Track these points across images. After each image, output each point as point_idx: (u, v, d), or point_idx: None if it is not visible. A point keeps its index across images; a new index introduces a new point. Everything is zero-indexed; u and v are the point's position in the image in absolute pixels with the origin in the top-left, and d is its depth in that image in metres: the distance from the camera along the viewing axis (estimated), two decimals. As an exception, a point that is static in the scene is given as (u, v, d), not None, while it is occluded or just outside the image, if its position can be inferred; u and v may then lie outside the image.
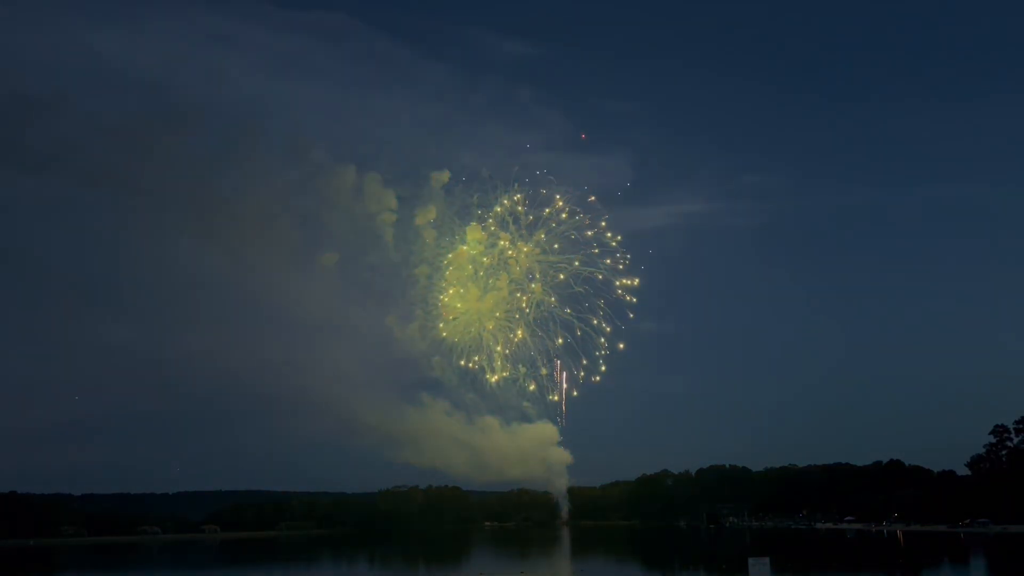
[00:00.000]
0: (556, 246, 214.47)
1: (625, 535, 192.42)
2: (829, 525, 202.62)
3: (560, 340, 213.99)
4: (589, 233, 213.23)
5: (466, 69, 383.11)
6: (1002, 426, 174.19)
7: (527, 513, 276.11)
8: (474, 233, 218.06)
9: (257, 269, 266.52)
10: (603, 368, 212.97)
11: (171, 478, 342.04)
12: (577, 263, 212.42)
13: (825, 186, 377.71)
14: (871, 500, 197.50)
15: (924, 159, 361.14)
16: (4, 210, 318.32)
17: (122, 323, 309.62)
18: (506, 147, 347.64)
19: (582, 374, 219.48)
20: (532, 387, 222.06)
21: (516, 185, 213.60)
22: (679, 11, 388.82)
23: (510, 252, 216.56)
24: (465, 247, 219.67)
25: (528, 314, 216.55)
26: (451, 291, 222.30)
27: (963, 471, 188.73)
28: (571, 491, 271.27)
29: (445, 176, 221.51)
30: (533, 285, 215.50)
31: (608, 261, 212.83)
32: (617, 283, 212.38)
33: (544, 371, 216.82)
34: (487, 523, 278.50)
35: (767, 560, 53.57)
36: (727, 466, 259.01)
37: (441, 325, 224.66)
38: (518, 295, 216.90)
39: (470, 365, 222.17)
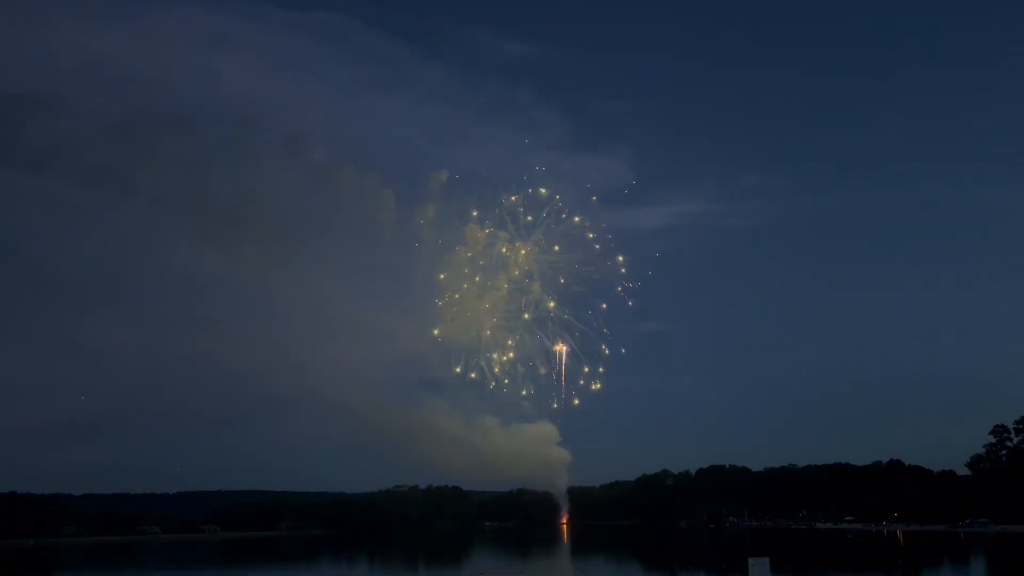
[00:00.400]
0: (556, 247, 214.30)
1: (625, 535, 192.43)
2: (829, 525, 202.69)
3: (560, 346, 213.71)
4: (589, 234, 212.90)
5: (466, 69, 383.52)
6: (1002, 426, 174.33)
7: (527, 513, 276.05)
8: (473, 233, 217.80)
9: (256, 269, 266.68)
10: (602, 371, 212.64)
11: (171, 478, 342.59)
12: (577, 264, 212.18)
13: (825, 186, 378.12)
14: (871, 500, 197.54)
15: (925, 159, 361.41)
16: (1, 209, 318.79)
17: (122, 323, 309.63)
18: (506, 147, 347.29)
19: (582, 382, 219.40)
20: (526, 392, 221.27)
21: (515, 185, 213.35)
22: (679, 11, 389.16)
23: (508, 252, 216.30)
24: (464, 247, 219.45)
25: (527, 314, 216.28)
26: (449, 291, 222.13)
27: (963, 471, 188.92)
28: (571, 491, 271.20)
29: (443, 176, 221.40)
30: (532, 285, 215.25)
31: (608, 262, 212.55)
32: (617, 283, 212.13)
33: (543, 371, 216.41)
34: (487, 523, 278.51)
35: (767, 560, 53.59)
36: (727, 466, 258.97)
37: (440, 325, 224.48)
38: (517, 295, 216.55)
39: (470, 367, 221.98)
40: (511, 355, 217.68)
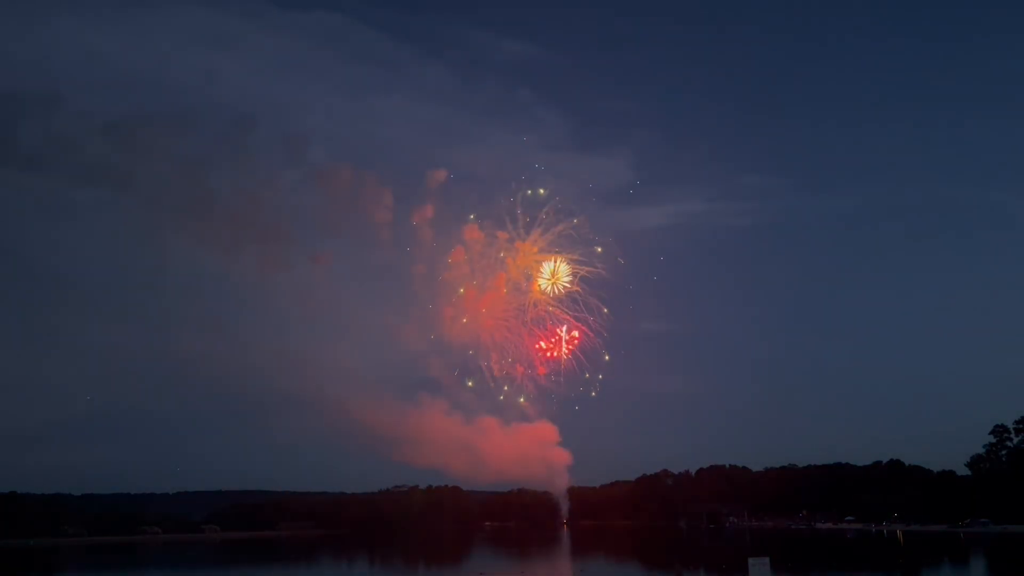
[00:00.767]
0: (555, 247, 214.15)
1: (625, 535, 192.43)
2: (829, 525, 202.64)
3: (562, 345, 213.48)
4: (589, 234, 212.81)
5: (466, 69, 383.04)
6: (1002, 426, 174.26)
7: (527, 513, 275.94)
8: (472, 233, 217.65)
9: (255, 268, 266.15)
10: (601, 378, 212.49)
11: (171, 478, 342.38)
12: (576, 264, 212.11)
13: (825, 186, 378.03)
14: (871, 500, 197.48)
15: (925, 159, 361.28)
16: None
17: (121, 323, 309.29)
18: (505, 147, 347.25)
19: (581, 388, 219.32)
20: (525, 393, 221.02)
21: (514, 185, 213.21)
22: (679, 11, 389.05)
23: (507, 253, 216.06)
24: (462, 247, 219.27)
25: (526, 314, 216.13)
26: (448, 291, 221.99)
27: (963, 471, 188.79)
28: (571, 491, 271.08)
29: (442, 175, 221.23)
30: (531, 285, 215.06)
31: (607, 262, 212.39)
32: (617, 284, 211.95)
33: (542, 371, 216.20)
34: (487, 523, 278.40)
35: (767, 560, 53.54)
36: (727, 466, 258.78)
37: (439, 325, 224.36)
38: (517, 295, 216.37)
39: (469, 367, 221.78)
40: (510, 355, 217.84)
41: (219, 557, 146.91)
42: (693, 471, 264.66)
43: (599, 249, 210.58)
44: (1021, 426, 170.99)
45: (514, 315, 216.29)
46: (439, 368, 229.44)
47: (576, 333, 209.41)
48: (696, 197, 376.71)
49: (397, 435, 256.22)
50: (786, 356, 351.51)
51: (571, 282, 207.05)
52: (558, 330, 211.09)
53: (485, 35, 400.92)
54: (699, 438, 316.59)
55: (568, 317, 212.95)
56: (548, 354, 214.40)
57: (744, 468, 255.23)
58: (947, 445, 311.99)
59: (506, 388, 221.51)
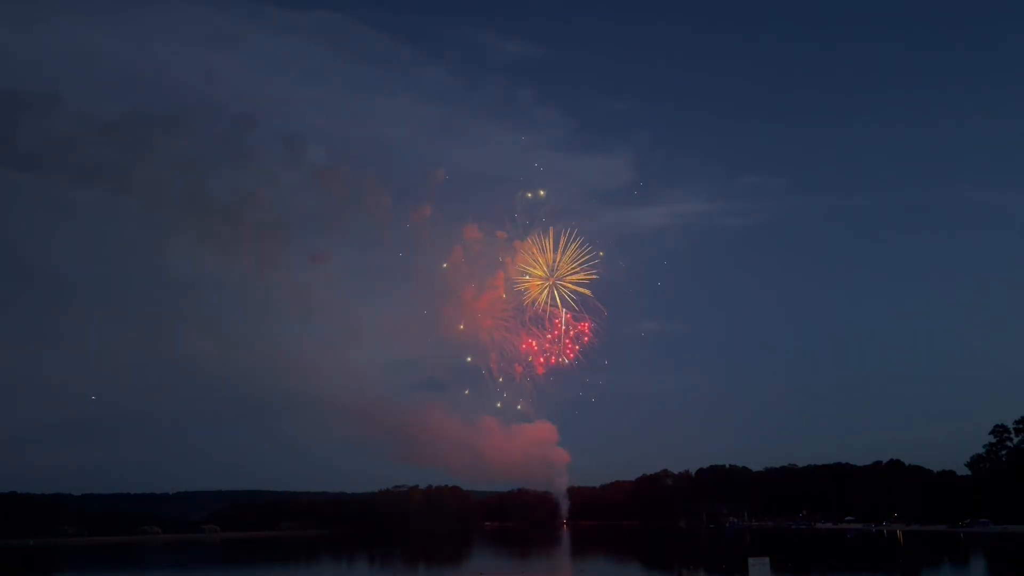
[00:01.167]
0: (555, 246, 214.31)
1: (625, 535, 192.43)
2: (829, 525, 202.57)
3: (564, 339, 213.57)
4: (589, 234, 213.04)
5: (466, 69, 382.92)
6: (1002, 426, 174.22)
7: (527, 513, 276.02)
8: (471, 233, 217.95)
9: (254, 268, 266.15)
10: (601, 383, 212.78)
11: (171, 478, 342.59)
12: (576, 264, 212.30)
13: (825, 186, 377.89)
14: (871, 500, 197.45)
15: (925, 159, 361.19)
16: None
17: (121, 323, 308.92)
18: (505, 147, 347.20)
19: (580, 393, 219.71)
20: (525, 392, 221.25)
21: (513, 185, 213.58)
22: (679, 12, 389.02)
23: (506, 252, 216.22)
24: (461, 246, 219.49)
25: (525, 313, 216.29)
26: (447, 291, 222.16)
27: (963, 471, 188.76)
28: (571, 491, 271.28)
29: (441, 175, 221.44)
30: (530, 285, 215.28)
31: (607, 262, 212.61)
32: (616, 283, 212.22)
33: (540, 370, 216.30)
34: (487, 523, 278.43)
35: (767, 560, 53.60)
36: (727, 466, 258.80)
37: (437, 325, 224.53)
38: (515, 295, 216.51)
39: (468, 367, 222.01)
40: (509, 355, 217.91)
41: (219, 557, 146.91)
42: (693, 471, 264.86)
43: (601, 253, 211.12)
44: (1021, 426, 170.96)
45: (513, 315, 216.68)
46: (438, 368, 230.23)
47: (583, 326, 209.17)
48: (696, 197, 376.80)
49: (397, 435, 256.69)
50: (786, 356, 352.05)
51: (579, 270, 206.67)
52: (558, 322, 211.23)
53: (485, 35, 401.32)
54: (699, 438, 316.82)
55: (568, 316, 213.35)
56: (548, 355, 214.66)
57: (744, 468, 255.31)
58: (947, 445, 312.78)
59: (505, 389, 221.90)
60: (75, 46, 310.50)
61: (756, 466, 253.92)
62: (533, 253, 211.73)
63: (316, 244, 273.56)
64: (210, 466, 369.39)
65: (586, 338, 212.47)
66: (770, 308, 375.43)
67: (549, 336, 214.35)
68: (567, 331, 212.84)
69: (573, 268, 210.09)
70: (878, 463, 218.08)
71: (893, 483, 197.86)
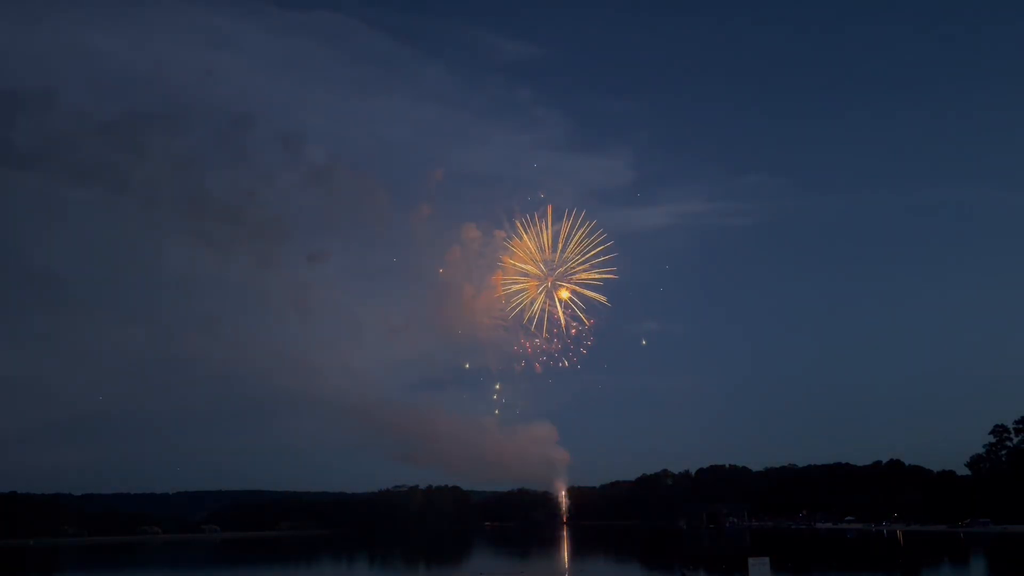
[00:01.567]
0: (554, 246, 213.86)
1: (625, 535, 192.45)
2: (829, 525, 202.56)
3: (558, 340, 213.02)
4: (587, 232, 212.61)
5: (466, 69, 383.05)
6: (1002, 426, 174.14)
7: (527, 513, 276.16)
8: (469, 232, 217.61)
9: (254, 268, 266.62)
10: (599, 384, 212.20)
11: (171, 478, 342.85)
12: (575, 264, 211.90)
13: (825, 186, 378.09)
14: (871, 500, 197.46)
15: (925, 159, 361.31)
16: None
17: (121, 323, 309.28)
18: (505, 147, 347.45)
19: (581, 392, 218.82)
20: (524, 392, 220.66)
21: (513, 184, 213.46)
22: (679, 11, 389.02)
23: (505, 252, 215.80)
24: (460, 246, 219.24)
25: (524, 313, 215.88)
26: (446, 290, 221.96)
27: (963, 471, 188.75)
28: (571, 491, 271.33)
29: (440, 175, 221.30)
30: (529, 284, 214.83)
31: (607, 262, 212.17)
32: (616, 284, 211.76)
33: (539, 369, 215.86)
34: (487, 523, 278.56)
35: (767, 560, 53.57)
36: (727, 466, 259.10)
37: (435, 324, 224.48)
38: (514, 295, 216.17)
39: (466, 367, 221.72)
40: (508, 354, 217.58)
41: (219, 557, 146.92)
42: (693, 471, 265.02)
43: (597, 247, 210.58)
44: (1021, 426, 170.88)
45: (512, 314, 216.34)
46: (438, 368, 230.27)
47: (586, 319, 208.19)
48: (696, 197, 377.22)
49: (397, 435, 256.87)
50: (786, 356, 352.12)
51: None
52: (557, 321, 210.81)
53: (485, 35, 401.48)
54: (699, 438, 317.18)
55: (568, 316, 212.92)
56: (548, 356, 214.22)
57: (744, 468, 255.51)
58: (947, 445, 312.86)
59: (505, 389, 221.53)
60: (73, 45, 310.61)
61: (756, 466, 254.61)
62: (530, 251, 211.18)
63: (315, 244, 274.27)
64: (210, 466, 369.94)
65: (589, 341, 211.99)
66: (770, 308, 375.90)
67: (547, 336, 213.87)
68: (567, 332, 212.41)
69: (576, 266, 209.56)
70: (878, 463, 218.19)
71: (893, 483, 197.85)
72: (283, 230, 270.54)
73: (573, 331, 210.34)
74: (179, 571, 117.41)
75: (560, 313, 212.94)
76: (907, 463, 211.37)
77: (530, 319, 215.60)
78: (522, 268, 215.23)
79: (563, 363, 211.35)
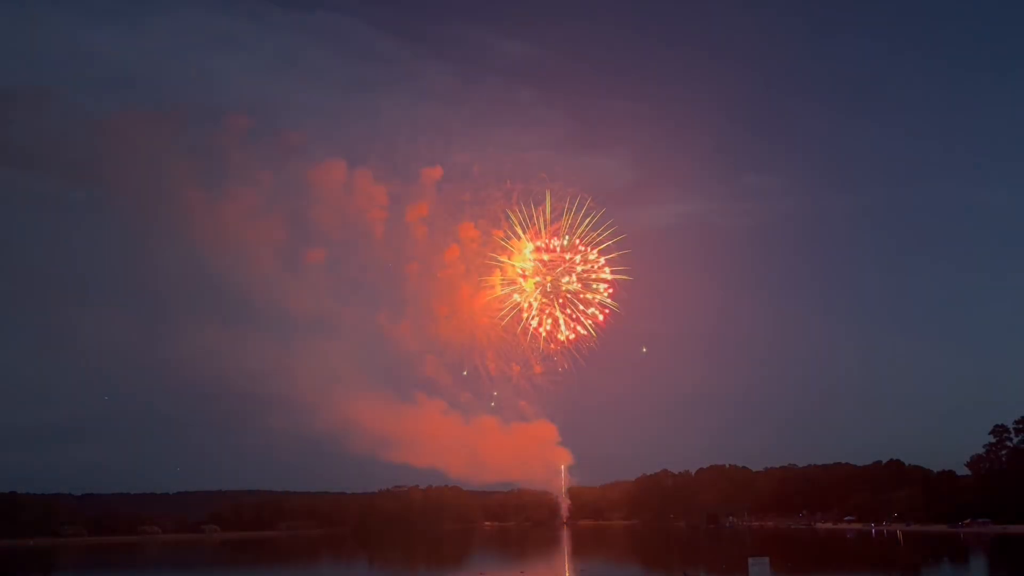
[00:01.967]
0: (553, 246, 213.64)
1: (625, 535, 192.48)
2: (829, 525, 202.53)
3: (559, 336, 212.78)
4: (586, 232, 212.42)
5: (466, 69, 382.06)
6: (1002, 426, 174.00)
7: (527, 513, 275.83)
8: (467, 231, 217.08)
9: (249, 267, 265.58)
10: (598, 384, 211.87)
11: (171, 478, 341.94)
12: (574, 263, 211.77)
13: (825, 186, 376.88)
14: (871, 500, 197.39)
15: (925, 159, 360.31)
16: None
17: (120, 323, 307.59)
18: (504, 146, 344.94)
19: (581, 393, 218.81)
20: (519, 395, 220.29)
21: (512, 184, 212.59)
22: (679, 11, 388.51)
23: (504, 251, 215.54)
24: (457, 245, 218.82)
25: (522, 312, 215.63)
26: (443, 289, 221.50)
27: (963, 471, 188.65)
28: (571, 491, 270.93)
29: (438, 173, 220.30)
30: (527, 284, 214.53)
31: (606, 262, 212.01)
32: (615, 284, 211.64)
33: (539, 369, 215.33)
34: (487, 523, 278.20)
35: (767, 560, 53.67)
36: (727, 466, 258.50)
37: (433, 324, 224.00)
38: (511, 293, 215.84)
39: (465, 366, 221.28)
40: (506, 354, 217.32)
41: (219, 557, 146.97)
42: (693, 471, 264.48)
43: (597, 247, 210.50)
44: (1021, 426, 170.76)
45: (511, 314, 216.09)
46: (435, 367, 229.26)
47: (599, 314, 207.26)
48: (696, 197, 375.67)
49: (394, 435, 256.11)
50: (786, 356, 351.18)
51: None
52: (555, 322, 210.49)
53: (485, 35, 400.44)
54: (699, 438, 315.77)
55: (566, 315, 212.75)
56: (547, 356, 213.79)
57: (744, 468, 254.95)
58: (947, 445, 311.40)
59: (504, 388, 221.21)
60: (70, 43, 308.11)
61: (756, 466, 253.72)
62: (529, 250, 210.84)
63: (313, 243, 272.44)
64: (210, 466, 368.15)
65: (592, 344, 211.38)
66: (770, 308, 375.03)
67: (546, 337, 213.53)
68: (568, 332, 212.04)
69: (579, 265, 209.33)
70: (878, 463, 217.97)
71: (893, 483, 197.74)
72: (281, 229, 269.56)
73: (574, 336, 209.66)
74: (179, 571, 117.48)
75: (558, 313, 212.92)
76: (907, 463, 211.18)
77: (529, 319, 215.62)
78: (521, 267, 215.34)
79: (563, 364, 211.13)
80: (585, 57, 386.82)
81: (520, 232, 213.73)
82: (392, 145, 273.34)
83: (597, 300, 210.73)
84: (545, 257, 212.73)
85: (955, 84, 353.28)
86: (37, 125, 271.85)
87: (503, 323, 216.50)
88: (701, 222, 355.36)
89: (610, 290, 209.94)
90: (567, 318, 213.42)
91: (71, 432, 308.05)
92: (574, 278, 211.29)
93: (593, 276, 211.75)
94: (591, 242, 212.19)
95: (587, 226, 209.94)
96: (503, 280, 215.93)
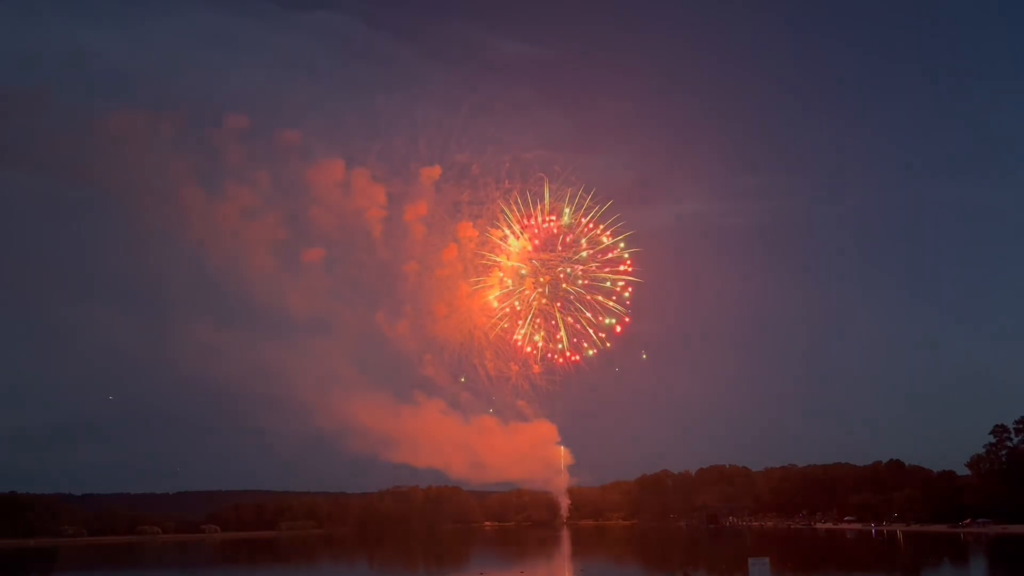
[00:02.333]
0: (554, 246, 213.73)
1: (625, 535, 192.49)
2: (829, 525, 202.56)
3: (559, 341, 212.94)
4: (588, 233, 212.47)
5: (466, 69, 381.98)
6: (1002, 426, 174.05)
7: (527, 513, 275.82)
8: (465, 230, 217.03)
9: (248, 267, 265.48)
10: (591, 352, 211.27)
11: (171, 478, 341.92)
12: (574, 263, 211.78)
13: (825, 186, 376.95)
14: (871, 500, 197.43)
15: (925, 158, 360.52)
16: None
17: (120, 323, 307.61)
18: (504, 146, 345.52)
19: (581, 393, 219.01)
20: (518, 395, 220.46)
21: (511, 183, 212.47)
22: (679, 11, 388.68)
23: (502, 251, 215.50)
24: (456, 244, 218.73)
25: (521, 312, 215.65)
26: (441, 288, 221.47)
27: (963, 471, 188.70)
28: (571, 491, 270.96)
29: (436, 172, 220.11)
30: (527, 283, 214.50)
31: (606, 262, 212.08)
32: (615, 283, 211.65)
33: (537, 369, 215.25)
34: (487, 523, 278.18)
35: (767, 560, 53.70)
36: (727, 466, 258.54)
37: (432, 323, 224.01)
38: (509, 293, 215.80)
39: (464, 366, 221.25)
40: (505, 354, 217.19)
41: (219, 557, 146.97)
42: (693, 471, 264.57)
43: (597, 247, 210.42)
44: (1021, 426, 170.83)
45: (510, 313, 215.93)
46: (434, 367, 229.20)
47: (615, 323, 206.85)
48: (696, 197, 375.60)
49: (396, 435, 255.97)
50: (786, 356, 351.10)
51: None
52: (554, 324, 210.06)
53: (485, 35, 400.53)
54: (699, 438, 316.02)
55: (565, 316, 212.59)
56: (546, 357, 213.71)
57: (744, 468, 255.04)
58: (947, 445, 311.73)
59: (503, 388, 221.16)
60: (67, 42, 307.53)
61: (756, 466, 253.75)
62: (528, 249, 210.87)
63: (312, 242, 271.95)
64: (210, 466, 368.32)
65: (599, 344, 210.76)
66: (770, 308, 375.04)
67: (545, 337, 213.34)
68: (568, 332, 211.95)
69: (582, 264, 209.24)
70: (878, 463, 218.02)
71: (893, 483, 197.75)
72: (280, 229, 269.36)
73: (578, 359, 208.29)
74: (179, 571, 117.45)
75: (558, 312, 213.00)
76: (907, 463, 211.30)
77: (529, 318, 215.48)
78: (520, 267, 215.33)
79: (561, 358, 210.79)
80: (585, 57, 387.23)
81: (519, 232, 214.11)
82: (391, 145, 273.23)
83: (611, 302, 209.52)
84: (541, 256, 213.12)
85: (955, 83, 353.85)
86: (36, 125, 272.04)
87: (501, 324, 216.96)
88: (700, 222, 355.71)
89: (628, 273, 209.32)
90: (569, 329, 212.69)
91: (71, 432, 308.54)
92: (579, 270, 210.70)
93: (605, 271, 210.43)
94: (588, 241, 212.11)
95: (596, 214, 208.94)
96: (501, 279, 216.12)
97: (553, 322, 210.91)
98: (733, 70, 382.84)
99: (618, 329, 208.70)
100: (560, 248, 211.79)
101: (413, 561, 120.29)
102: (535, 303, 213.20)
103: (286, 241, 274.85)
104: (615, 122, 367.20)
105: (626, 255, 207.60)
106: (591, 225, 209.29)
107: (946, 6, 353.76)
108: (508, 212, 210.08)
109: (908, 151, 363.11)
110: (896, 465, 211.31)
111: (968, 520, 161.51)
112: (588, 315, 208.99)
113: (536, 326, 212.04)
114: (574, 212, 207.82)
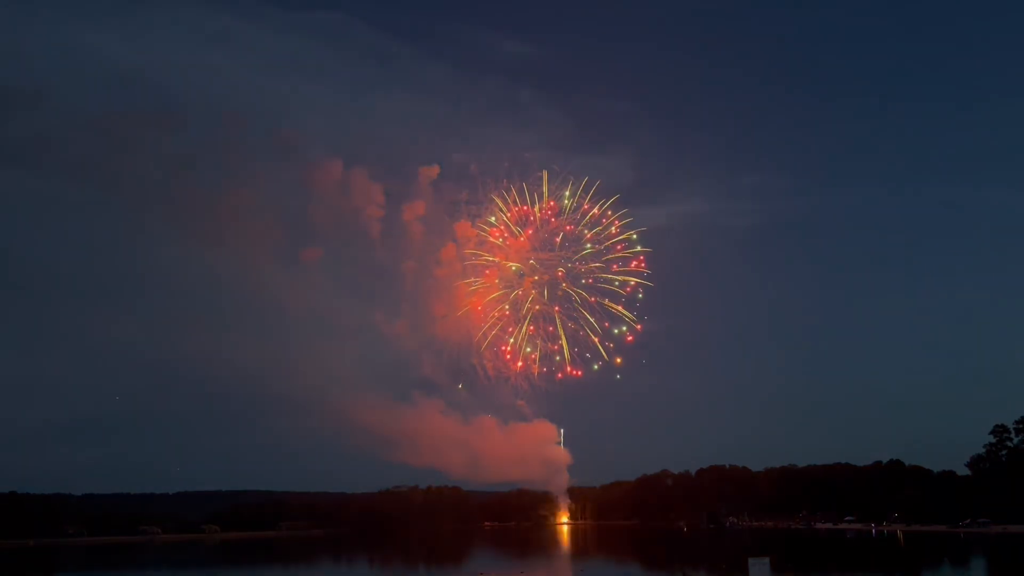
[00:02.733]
0: (554, 246, 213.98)
1: (625, 535, 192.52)
2: (829, 525, 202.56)
3: (558, 343, 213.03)
4: (588, 233, 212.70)
5: (466, 69, 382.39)
6: (1002, 426, 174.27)
7: (527, 513, 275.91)
8: (463, 230, 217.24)
9: (251, 268, 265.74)
10: (596, 367, 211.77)
11: (171, 478, 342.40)
12: (574, 263, 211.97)
13: (825, 186, 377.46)
14: (871, 500, 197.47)
15: (924, 158, 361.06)
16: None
17: (120, 322, 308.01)
18: (504, 146, 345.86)
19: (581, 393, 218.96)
20: (518, 395, 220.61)
21: (511, 183, 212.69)
22: (680, 11, 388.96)
23: (502, 250, 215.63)
24: (454, 244, 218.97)
25: (520, 312, 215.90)
26: (439, 288, 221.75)
27: (963, 471, 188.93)
28: (571, 491, 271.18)
29: (435, 171, 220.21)
30: (526, 283, 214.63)
31: (606, 262, 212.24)
32: (615, 283, 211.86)
33: (536, 369, 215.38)
34: (487, 523, 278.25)
35: (767, 560, 53.69)
36: (727, 466, 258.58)
37: (430, 323, 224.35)
38: (508, 293, 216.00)
39: (463, 366, 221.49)
40: (506, 353, 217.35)
41: (219, 557, 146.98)
42: (693, 471, 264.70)
43: (596, 247, 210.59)
44: (1021, 426, 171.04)
45: (509, 313, 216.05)
46: (432, 367, 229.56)
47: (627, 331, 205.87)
48: (696, 197, 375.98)
49: (395, 435, 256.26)
50: (786, 356, 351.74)
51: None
52: (552, 329, 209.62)
53: (485, 35, 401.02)
54: (699, 438, 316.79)
55: (565, 322, 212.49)
56: (547, 358, 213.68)
57: (744, 468, 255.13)
58: (947, 445, 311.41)
59: (503, 388, 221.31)
60: (65, 42, 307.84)
61: (756, 466, 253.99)
62: (528, 249, 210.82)
63: (311, 242, 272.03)
64: (210, 466, 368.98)
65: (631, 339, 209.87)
66: (770, 308, 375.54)
67: (544, 336, 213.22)
68: (569, 332, 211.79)
69: (585, 262, 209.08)
70: (878, 463, 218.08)
71: (893, 483, 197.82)
72: (278, 228, 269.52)
73: (580, 373, 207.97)
74: (179, 571, 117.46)
75: (557, 318, 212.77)
76: (907, 463, 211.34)
77: (528, 318, 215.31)
78: (519, 267, 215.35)
79: (561, 374, 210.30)
80: (585, 57, 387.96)
81: (518, 231, 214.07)
82: (389, 144, 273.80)
83: (619, 307, 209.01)
84: (541, 256, 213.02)
85: (954, 84, 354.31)
86: (36, 124, 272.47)
87: (501, 323, 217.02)
88: (700, 222, 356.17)
89: (641, 271, 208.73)
90: (564, 318, 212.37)
91: (71, 432, 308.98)
92: (572, 278, 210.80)
93: (590, 276, 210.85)
94: (588, 241, 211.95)
95: (603, 204, 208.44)
96: (500, 279, 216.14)
97: (552, 328, 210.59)
98: (733, 69, 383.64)
99: (630, 337, 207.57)
100: (559, 243, 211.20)
101: (413, 561, 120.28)
102: (529, 308, 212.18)
103: (284, 240, 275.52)
104: (615, 122, 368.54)
105: (638, 247, 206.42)
106: (596, 212, 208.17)
107: (946, 6, 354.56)
108: (502, 204, 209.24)
109: (908, 151, 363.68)
110: (896, 465, 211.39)
111: (968, 520, 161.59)
112: (592, 321, 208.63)
113: (529, 335, 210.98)
114: (575, 198, 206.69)
